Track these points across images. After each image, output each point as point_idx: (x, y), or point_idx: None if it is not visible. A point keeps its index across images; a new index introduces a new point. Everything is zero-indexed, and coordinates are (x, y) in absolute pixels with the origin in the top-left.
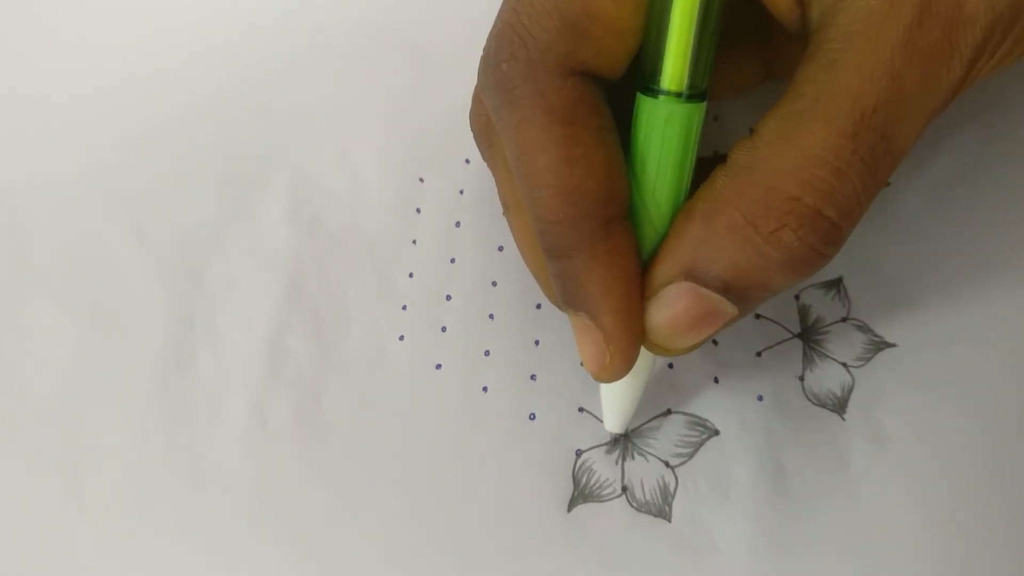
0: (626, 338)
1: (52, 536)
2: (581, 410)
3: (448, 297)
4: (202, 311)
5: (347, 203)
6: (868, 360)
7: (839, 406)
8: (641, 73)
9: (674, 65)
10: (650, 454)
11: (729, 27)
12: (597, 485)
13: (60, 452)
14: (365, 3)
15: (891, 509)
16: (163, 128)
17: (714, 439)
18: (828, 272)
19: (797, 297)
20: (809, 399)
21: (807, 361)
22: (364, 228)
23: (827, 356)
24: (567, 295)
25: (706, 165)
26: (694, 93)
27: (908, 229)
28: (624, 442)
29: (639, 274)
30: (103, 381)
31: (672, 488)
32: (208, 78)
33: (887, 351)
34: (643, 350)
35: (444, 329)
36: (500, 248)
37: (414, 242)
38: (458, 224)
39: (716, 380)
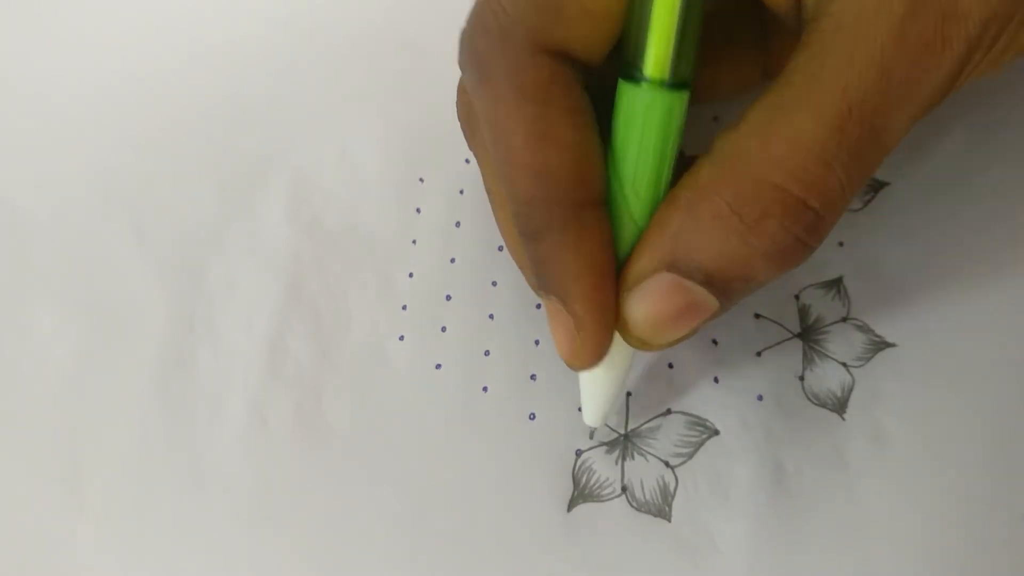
0: (596, 324)
1: (52, 536)
2: (581, 410)
3: (448, 297)
4: (202, 311)
5: (347, 203)
6: (868, 360)
7: (839, 406)
8: (624, 58)
9: (657, 50)
10: (650, 454)
11: (728, 26)
12: (597, 485)
13: (60, 452)
14: (365, 3)
15: (891, 508)
16: (163, 128)
17: (714, 439)
18: (828, 271)
19: (797, 297)
20: (809, 399)
21: (807, 361)
22: (364, 228)
23: (827, 356)
24: (540, 278)
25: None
26: (677, 81)
27: (908, 229)
28: (624, 442)
29: (612, 261)
30: (103, 381)
31: (672, 488)
32: (208, 78)
33: (887, 351)
34: (621, 344)
35: (444, 329)
36: (500, 248)
37: (414, 242)
38: (458, 224)
39: (716, 380)
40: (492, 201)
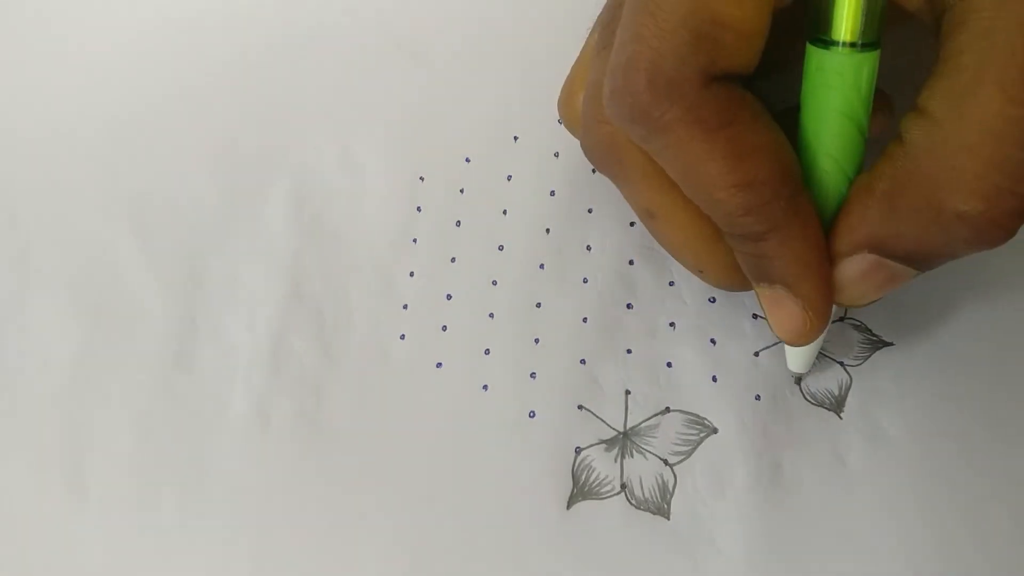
0: (823, 303)
1: (53, 535)
2: (580, 408)
3: (449, 296)
4: (204, 310)
5: (348, 202)
6: (865, 359)
7: (836, 405)
8: (812, 24)
9: (848, 12)
10: (649, 452)
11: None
12: (596, 483)
13: (62, 452)
14: (367, 3)
15: (888, 507)
16: (164, 128)
17: (712, 437)
18: None
19: None
20: (807, 398)
21: None
22: (365, 227)
23: (825, 355)
24: (761, 271)
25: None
26: (867, 42)
27: None
28: (623, 440)
29: (824, 239)
30: (105, 380)
31: (671, 486)
32: (209, 78)
33: (884, 350)
34: None
35: (444, 328)
36: (500, 248)
37: (415, 241)
38: (459, 223)
39: (714, 379)
40: (657, 222)
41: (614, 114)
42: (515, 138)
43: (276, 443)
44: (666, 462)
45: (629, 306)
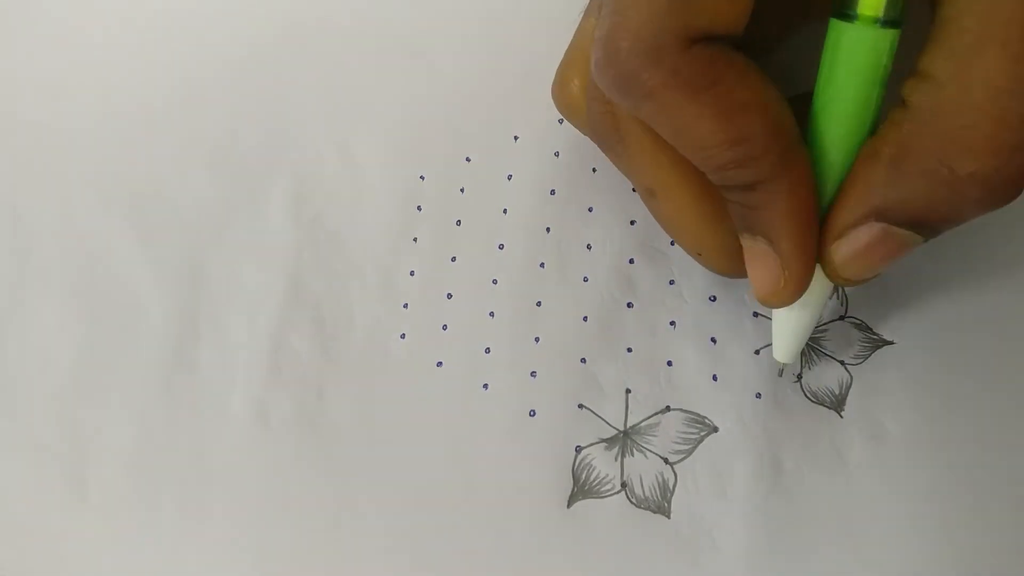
0: (801, 263)
1: (55, 534)
2: (581, 407)
3: (449, 295)
4: (204, 309)
5: (348, 201)
6: (866, 358)
7: (837, 403)
8: None
9: None
10: (649, 451)
11: None
12: (596, 481)
13: (63, 451)
14: (367, 3)
15: (888, 505)
16: (164, 127)
17: (713, 436)
18: None
19: None
20: (807, 396)
21: (805, 359)
22: (365, 226)
23: (825, 354)
24: (747, 220)
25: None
26: (889, 19)
27: None
28: (623, 439)
29: (816, 202)
30: (106, 379)
31: (671, 484)
32: (209, 77)
33: (885, 349)
34: (817, 284)
35: (445, 327)
36: (501, 247)
37: (415, 240)
38: (459, 222)
39: (715, 378)
40: (657, 199)
41: (603, 86)
42: (515, 138)
43: (276, 443)
44: (666, 461)
45: (629, 305)
